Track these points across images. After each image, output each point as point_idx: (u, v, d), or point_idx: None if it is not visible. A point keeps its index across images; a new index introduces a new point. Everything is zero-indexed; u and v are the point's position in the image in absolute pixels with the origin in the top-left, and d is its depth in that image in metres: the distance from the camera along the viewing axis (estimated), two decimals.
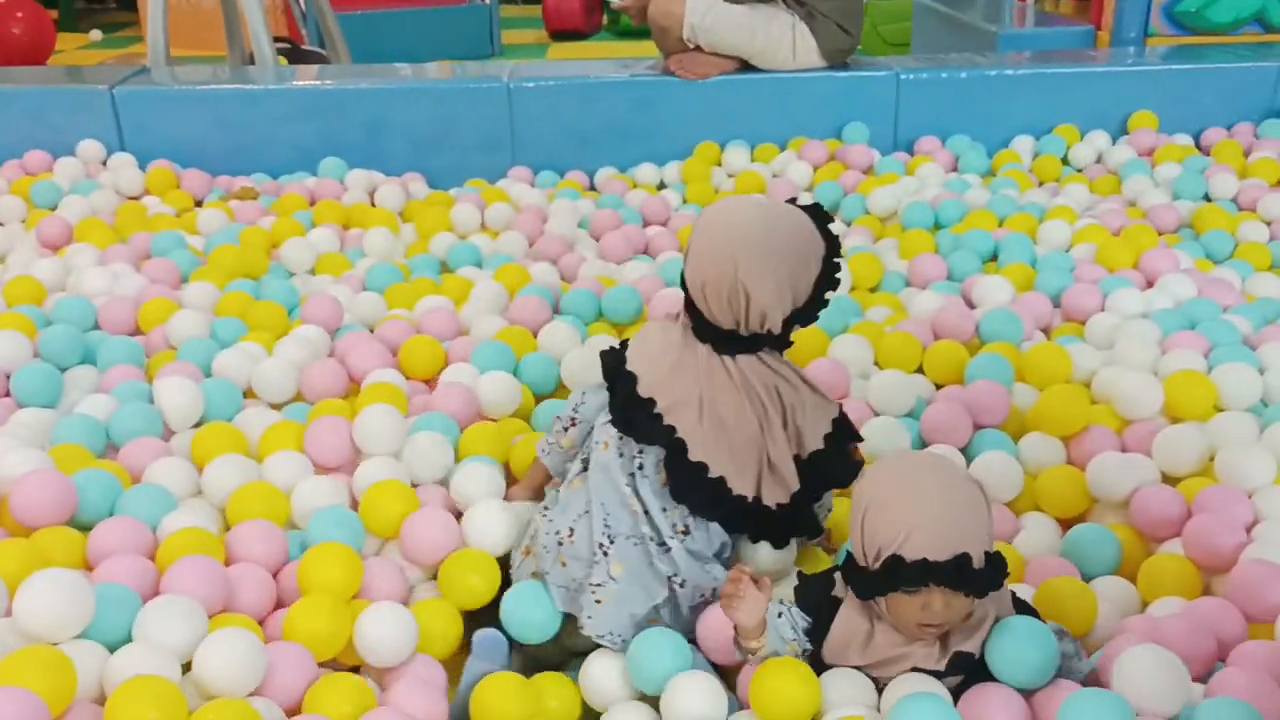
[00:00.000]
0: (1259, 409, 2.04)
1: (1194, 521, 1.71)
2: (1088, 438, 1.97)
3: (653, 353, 1.64)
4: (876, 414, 2.10)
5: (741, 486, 1.58)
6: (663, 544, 1.59)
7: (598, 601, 1.57)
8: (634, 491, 1.60)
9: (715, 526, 1.62)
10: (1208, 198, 3.13)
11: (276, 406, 2.15)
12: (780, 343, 1.61)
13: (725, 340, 1.58)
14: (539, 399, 2.21)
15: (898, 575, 1.34)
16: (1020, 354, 2.22)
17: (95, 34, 8.28)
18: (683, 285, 1.61)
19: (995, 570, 1.36)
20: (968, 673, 1.41)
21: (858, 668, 1.46)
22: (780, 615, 1.47)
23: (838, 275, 1.58)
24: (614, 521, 1.60)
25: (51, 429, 1.97)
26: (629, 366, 1.64)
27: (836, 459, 1.64)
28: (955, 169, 3.46)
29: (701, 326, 1.59)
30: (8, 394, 2.14)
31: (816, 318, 1.61)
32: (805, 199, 3.27)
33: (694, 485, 1.57)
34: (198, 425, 2.04)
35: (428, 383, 2.24)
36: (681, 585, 1.59)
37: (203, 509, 1.79)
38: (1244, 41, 4.09)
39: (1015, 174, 3.34)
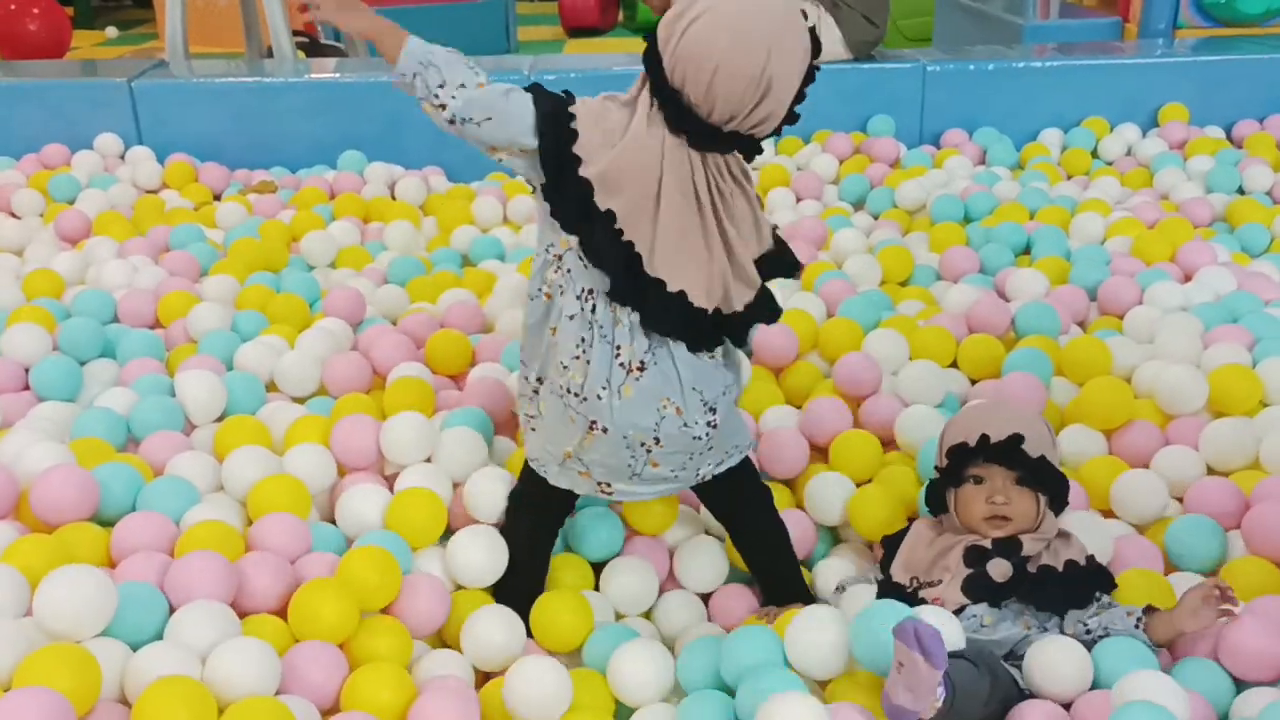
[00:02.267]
0: None
1: (1256, 510, 1.68)
2: (1130, 432, 1.93)
3: (608, 136, 1.45)
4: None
5: (702, 298, 1.46)
6: (582, 397, 1.50)
7: (533, 430, 1.60)
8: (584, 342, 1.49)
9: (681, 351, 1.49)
10: (1241, 191, 3.08)
11: (299, 400, 2.12)
12: (754, 149, 1.46)
13: (707, 136, 1.41)
14: None
15: (963, 457, 1.58)
16: (1058, 348, 2.16)
17: (111, 31, 8.28)
18: (655, 64, 1.41)
19: (1054, 472, 1.58)
20: (1014, 559, 1.52)
21: (917, 581, 1.56)
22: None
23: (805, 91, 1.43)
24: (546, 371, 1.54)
25: (71, 422, 1.94)
26: (578, 147, 1.44)
27: (786, 254, 1.55)
28: (983, 162, 3.41)
29: (681, 117, 1.41)
30: (27, 387, 2.11)
31: (779, 131, 1.46)
32: (831, 192, 3.24)
33: (656, 302, 1.44)
34: (219, 419, 2.01)
35: (454, 378, 2.20)
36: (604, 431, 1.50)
37: (225, 503, 1.75)
38: (1275, 33, 4.03)
39: (1044, 167, 3.29)
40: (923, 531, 1.63)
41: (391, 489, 1.82)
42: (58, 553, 1.52)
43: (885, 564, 1.64)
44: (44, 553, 1.51)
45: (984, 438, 1.57)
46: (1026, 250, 2.74)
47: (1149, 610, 1.49)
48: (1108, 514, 1.84)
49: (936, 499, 1.64)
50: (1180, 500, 1.83)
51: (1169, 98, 3.52)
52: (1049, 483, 1.58)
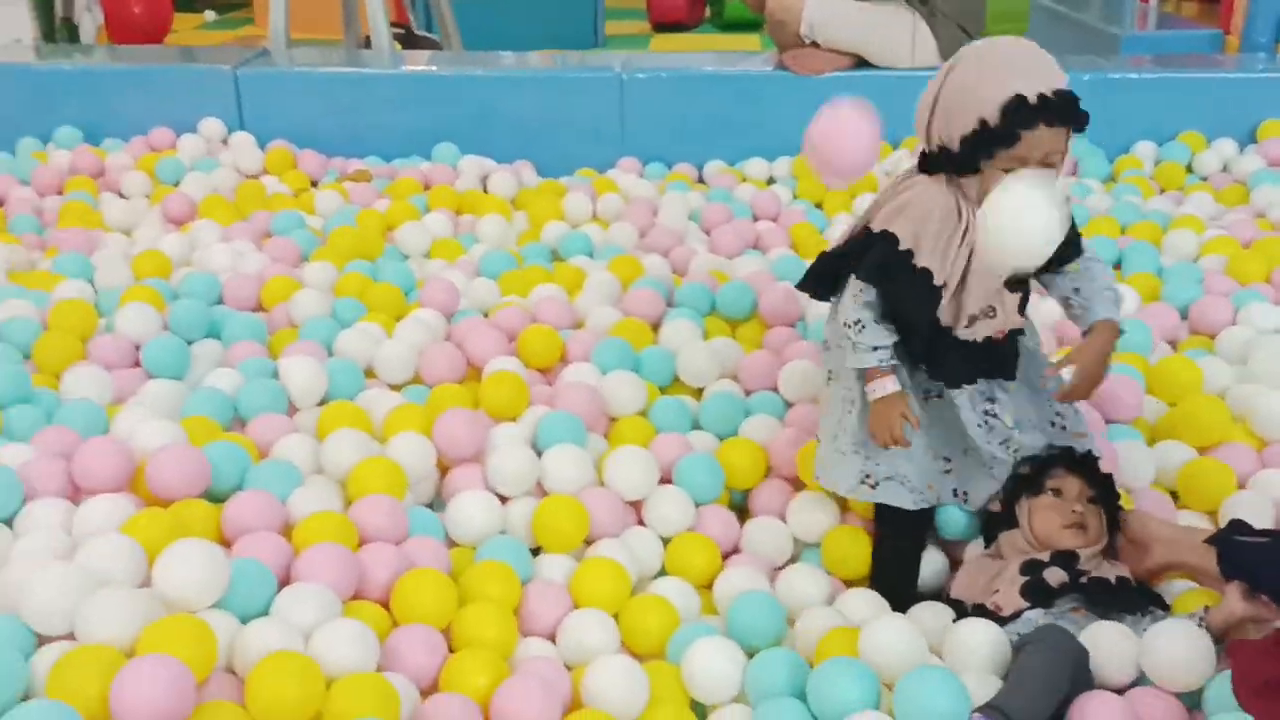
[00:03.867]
0: None
1: None
2: (1224, 452, 1.92)
3: None
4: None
5: None
6: None
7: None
8: None
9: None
10: None
11: (396, 388, 2.18)
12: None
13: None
14: (663, 391, 2.21)
15: (1044, 465, 1.66)
16: (1149, 365, 2.15)
17: (210, 14, 8.48)
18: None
19: (1116, 493, 1.67)
20: (1071, 570, 1.57)
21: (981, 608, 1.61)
22: None
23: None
24: None
25: (181, 401, 2.02)
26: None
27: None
28: (1074, 174, 3.38)
29: None
30: (137, 364, 2.20)
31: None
32: None
33: None
34: (320, 403, 2.08)
35: (544, 372, 2.25)
36: None
37: (325, 485, 1.82)
38: None
39: (1137, 180, 3.25)
40: (976, 560, 1.71)
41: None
42: (173, 527, 1.59)
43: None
44: (161, 526, 1.58)
45: (1067, 449, 1.68)
46: (1117, 265, 2.72)
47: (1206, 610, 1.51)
48: None
49: (1000, 520, 1.71)
50: None
51: (1269, 113, 3.45)
52: (1113, 502, 1.67)
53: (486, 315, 2.44)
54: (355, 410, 1.99)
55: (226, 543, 1.63)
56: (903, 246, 1.55)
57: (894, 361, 1.61)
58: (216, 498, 1.74)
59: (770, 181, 3.45)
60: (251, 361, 2.17)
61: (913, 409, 1.62)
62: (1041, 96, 1.43)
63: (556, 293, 2.52)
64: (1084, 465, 1.68)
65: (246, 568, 1.51)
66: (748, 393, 2.19)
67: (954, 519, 1.79)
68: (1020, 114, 1.43)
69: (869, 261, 1.58)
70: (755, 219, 3.13)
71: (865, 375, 1.63)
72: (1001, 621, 1.56)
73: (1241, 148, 3.41)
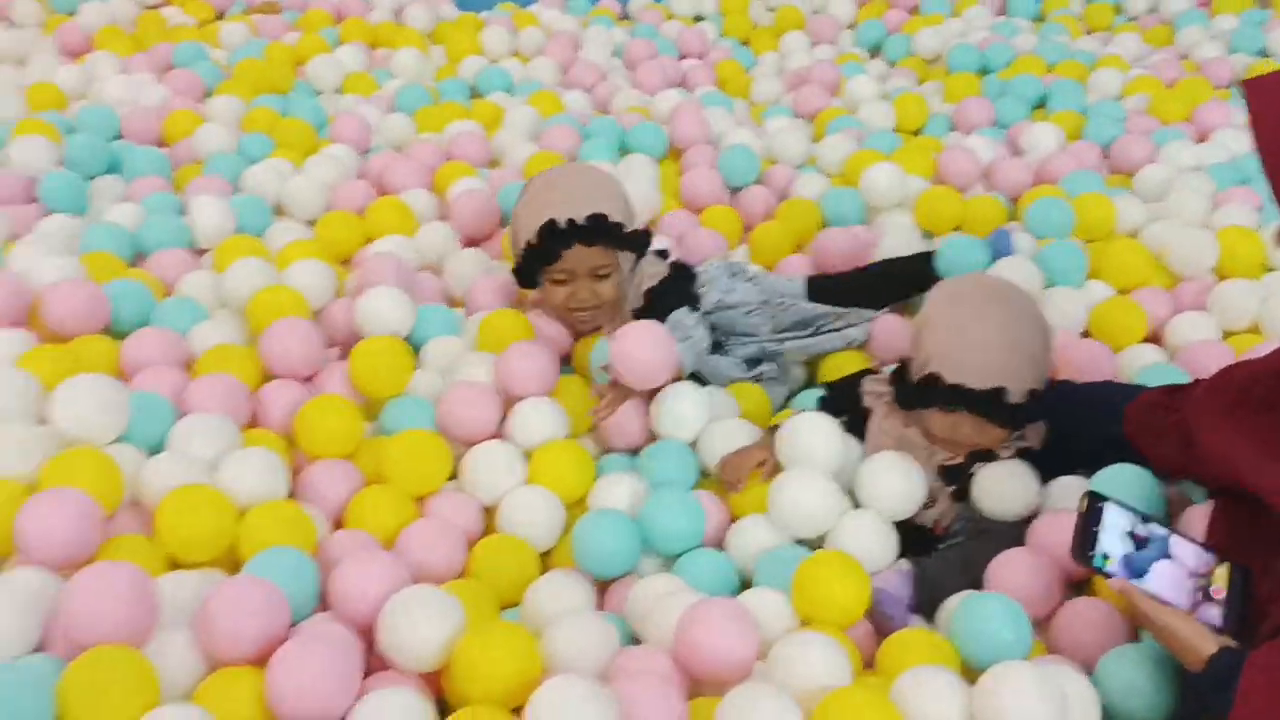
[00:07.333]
0: None
1: None
2: (1138, 293, 1.93)
3: None
4: None
5: None
6: None
7: None
8: None
9: None
10: (1264, 53, 3.01)
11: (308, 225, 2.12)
12: None
13: None
14: None
15: (933, 394, 1.41)
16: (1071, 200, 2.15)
17: None
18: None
19: (1035, 406, 1.41)
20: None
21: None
22: None
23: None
24: None
25: (79, 236, 1.94)
26: None
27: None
28: (1003, 12, 3.33)
29: None
30: (33, 200, 2.10)
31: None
32: (846, 38, 3.18)
33: None
34: None
35: None
36: None
37: (230, 320, 1.77)
38: None
39: (1066, 20, 3.22)
40: (884, 429, 1.53)
41: None
42: (70, 362, 1.54)
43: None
44: (57, 361, 1.53)
45: (958, 389, 1.39)
46: (1042, 104, 2.70)
47: None
48: None
49: (902, 395, 1.48)
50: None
51: None
52: (1026, 422, 1.46)
53: (399, 151, 2.36)
54: (255, 244, 1.92)
55: (126, 379, 1.58)
56: None
57: None
58: (118, 336, 1.68)
59: (698, 19, 3.35)
60: (155, 197, 2.08)
61: None
62: None
63: (473, 128, 2.44)
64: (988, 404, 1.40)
65: (145, 401, 1.47)
66: None
67: None
68: None
69: None
70: (681, 57, 3.06)
71: None
72: (937, 539, 1.48)
73: None
